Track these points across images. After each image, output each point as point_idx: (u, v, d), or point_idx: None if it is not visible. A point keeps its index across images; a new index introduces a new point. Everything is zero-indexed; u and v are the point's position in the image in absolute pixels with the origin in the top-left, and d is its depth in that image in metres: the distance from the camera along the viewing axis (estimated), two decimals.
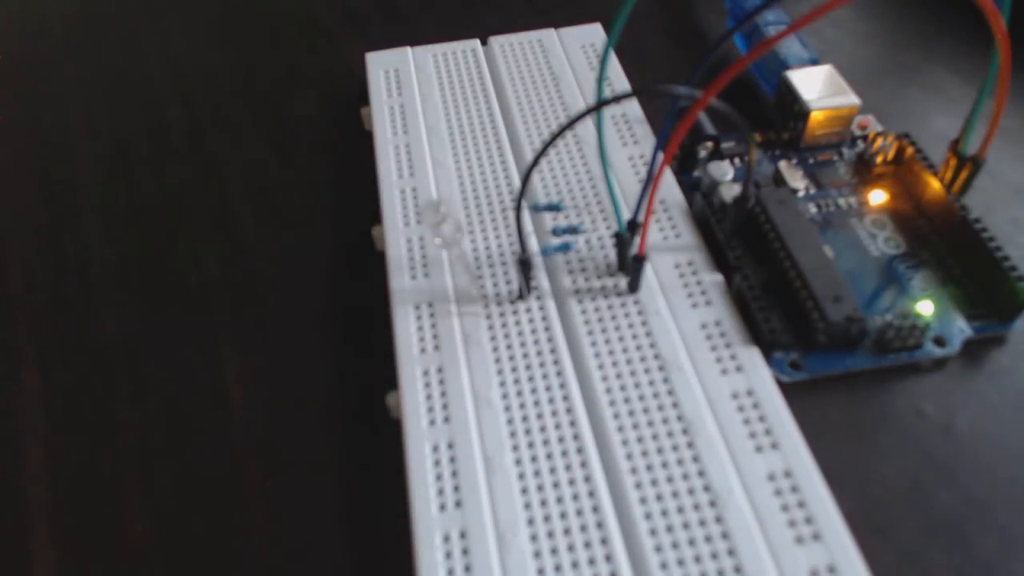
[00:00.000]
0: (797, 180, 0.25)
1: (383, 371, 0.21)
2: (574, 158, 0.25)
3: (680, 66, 0.30)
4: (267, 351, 0.23)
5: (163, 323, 0.24)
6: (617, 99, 0.17)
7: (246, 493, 0.20)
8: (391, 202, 0.24)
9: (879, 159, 0.25)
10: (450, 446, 0.19)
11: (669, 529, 0.17)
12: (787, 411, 0.19)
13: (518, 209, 0.19)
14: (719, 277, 0.22)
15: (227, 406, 0.22)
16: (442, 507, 0.18)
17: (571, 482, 0.18)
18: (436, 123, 0.26)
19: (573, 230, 0.23)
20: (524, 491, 0.18)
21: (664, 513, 0.17)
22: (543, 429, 0.19)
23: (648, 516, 0.17)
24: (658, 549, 0.17)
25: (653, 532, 0.17)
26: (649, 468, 0.18)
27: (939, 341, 0.21)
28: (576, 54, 0.29)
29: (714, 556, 0.17)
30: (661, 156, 0.19)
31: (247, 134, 0.29)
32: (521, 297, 0.21)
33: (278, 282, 0.25)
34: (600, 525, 0.17)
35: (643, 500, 0.18)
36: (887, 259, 0.23)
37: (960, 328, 0.21)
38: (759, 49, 0.17)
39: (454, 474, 0.18)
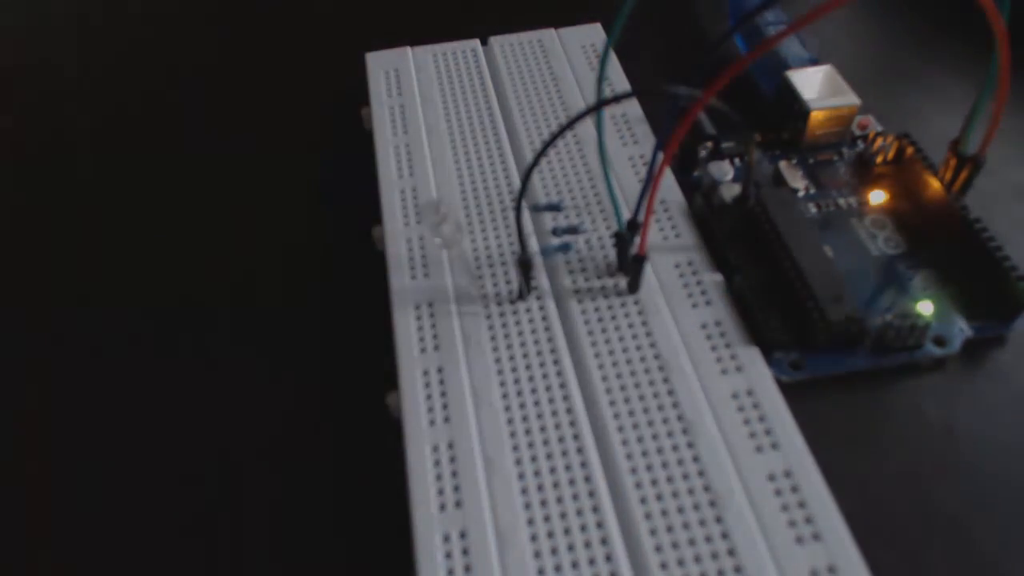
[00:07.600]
0: (797, 180, 0.25)
1: (383, 371, 0.21)
2: (574, 158, 0.25)
3: (680, 66, 0.30)
4: (267, 350, 0.23)
5: (161, 318, 0.24)
6: (617, 99, 0.17)
7: (246, 493, 0.20)
8: (391, 202, 0.24)
9: (879, 159, 0.25)
10: (450, 446, 0.19)
11: (669, 529, 0.17)
12: (787, 411, 0.19)
13: (518, 209, 0.19)
14: (719, 277, 0.22)
15: (226, 405, 0.22)
16: (442, 507, 0.18)
17: (571, 482, 0.18)
18: (436, 123, 0.26)
19: (573, 230, 0.23)
20: (524, 491, 0.18)
21: (664, 513, 0.17)
22: (543, 429, 0.19)
23: (648, 516, 0.17)
24: (658, 549, 0.17)
25: (653, 532, 0.17)
26: (649, 468, 0.18)
27: (939, 341, 0.21)
28: (576, 54, 0.29)
29: (714, 556, 0.17)
30: (661, 156, 0.19)
31: (247, 134, 0.29)
32: (521, 297, 0.21)
33: (278, 282, 0.25)
34: (600, 525, 0.17)
35: (643, 500, 0.18)
36: (887, 259, 0.23)
37: (960, 328, 0.21)
38: (759, 49, 0.17)
39: (454, 474, 0.18)
